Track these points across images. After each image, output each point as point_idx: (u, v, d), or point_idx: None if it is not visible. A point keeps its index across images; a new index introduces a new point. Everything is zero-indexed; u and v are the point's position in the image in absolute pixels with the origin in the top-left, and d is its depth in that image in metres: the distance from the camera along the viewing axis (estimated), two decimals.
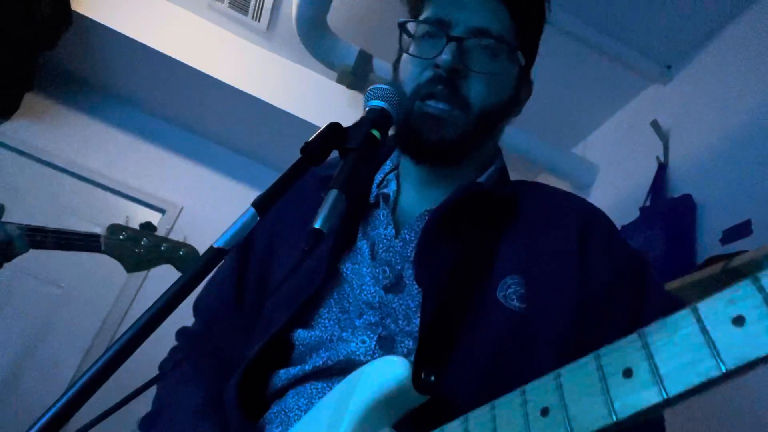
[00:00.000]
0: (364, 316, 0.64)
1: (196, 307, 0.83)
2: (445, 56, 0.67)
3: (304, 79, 2.94)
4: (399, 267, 0.67)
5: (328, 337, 0.64)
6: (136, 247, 1.39)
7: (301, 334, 0.66)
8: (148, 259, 1.40)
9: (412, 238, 0.69)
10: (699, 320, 0.29)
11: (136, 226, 1.44)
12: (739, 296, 0.28)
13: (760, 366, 0.26)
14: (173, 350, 0.82)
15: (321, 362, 0.62)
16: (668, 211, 1.91)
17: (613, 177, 2.53)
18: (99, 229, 1.41)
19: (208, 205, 3.25)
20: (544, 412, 0.35)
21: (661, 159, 2.14)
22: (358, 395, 0.51)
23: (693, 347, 0.29)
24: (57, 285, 2.87)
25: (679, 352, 0.29)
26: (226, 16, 2.90)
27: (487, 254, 0.66)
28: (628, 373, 0.31)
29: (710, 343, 0.28)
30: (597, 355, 0.34)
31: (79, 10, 2.63)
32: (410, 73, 0.72)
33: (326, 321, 0.66)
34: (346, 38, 2.48)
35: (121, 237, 1.39)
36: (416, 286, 0.64)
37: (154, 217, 3.20)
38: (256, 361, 0.65)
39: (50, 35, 2.61)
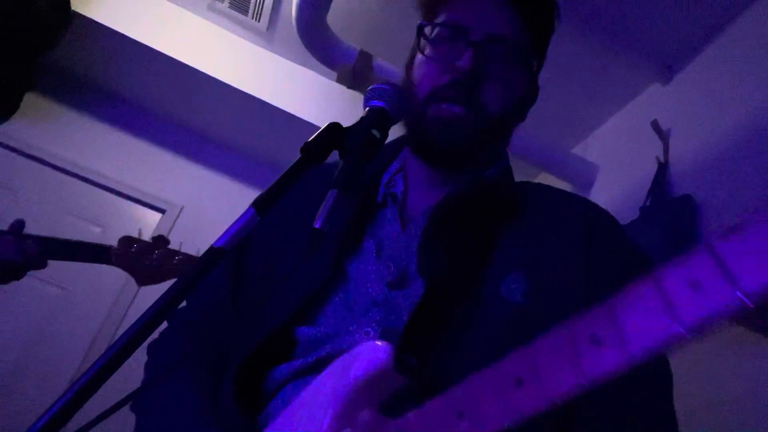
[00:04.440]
0: (369, 314, 0.64)
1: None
2: (465, 61, 0.68)
3: (304, 79, 2.94)
4: (404, 262, 0.67)
5: (333, 332, 0.64)
6: (148, 260, 1.37)
7: (304, 332, 0.66)
8: (160, 273, 1.38)
9: (418, 233, 0.69)
10: (659, 287, 0.32)
11: (148, 237, 1.42)
12: (695, 262, 0.31)
13: (715, 324, 0.29)
14: (165, 334, 0.79)
15: (325, 354, 0.62)
16: (668, 211, 1.91)
17: (613, 177, 2.53)
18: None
19: (208, 205, 3.25)
20: (519, 382, 0.37)
21: (661, 159, 2.14)
22: (341, 379, 0.52)
23: (655, 311, 0.31)
24: (57, 285, 2.87)
25: (643, 316, 0.32)
26: (226, 16, 2.91)
27: (491, 248, 0.66)
28: (596, 340, 0.34)
29: (670, 305, 0.31)
30: (567, 326, 0.37)
31: (79, 10, 2.64)
32: (426, 75, 0.73)
33: (331, 319, 0.66)
34: (346, 38, 2.48)
35: (132, 249, 1.37)
36: (420, 280, 0.65)
37: (154, 217, 3.20)
38: (253, 356, 0.65)
39: (50, 35, 2.61)
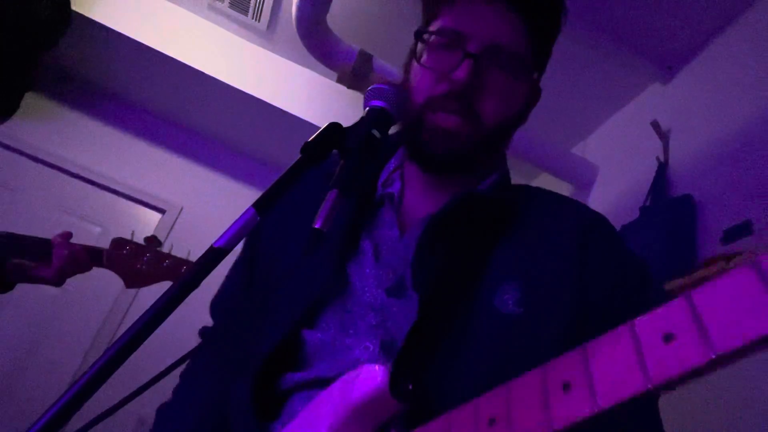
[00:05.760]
0: (366, 318, 0.64)
1: (211, 308, 0.84)
2: (461, 73, 0.66)
3: (304, 79, 2.95)
4: (401, 271, 0.67)
5: (331, 341, 0.64)
6: (138, 263, 1.36)
7: (306, 336, 0.65)
8: (149, 276, 1.36)
9: (413, 242, 0.68)
10: (634, 336, 0.31)
11: (141, 238, 1.40)
12: (672, 313, 0.29)
13: (688, 381, 0.28)
14: (196, 351, 0.84)
15: (326, 369, 0.62)
16: (668, 211, 1.91)
17: (613, 177, 2.53)
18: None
19: (208, 205, 3.25)
20: (491, 422, 0.37)
21: (661, 159, 2.14)
22: (340, 401, 0.52)
23: (626, 362, 0.31)
24: None
25: (614, 367, 0.31)
26: (226, 16, 2.91)
27: (485, 261, 0.66)
28: (567, 387, 0.33)
29: (641, 359, 0.30)
30: (544, 369, 0.36)
31: (79, 10, 2.63)
32: (423, 83, 0.71)
33: (330, 322, 0.65)
34: (346, 38, 2.48)
35: (124, 252, 1.35)
36: (414, 293, 0.64)
37: (154, 217, 3.20)
38: (267, 361, 0.65)
39: (50, 35, 2.61)
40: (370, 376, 0.51)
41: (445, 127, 0.68)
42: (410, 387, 0.51)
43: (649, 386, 0.29)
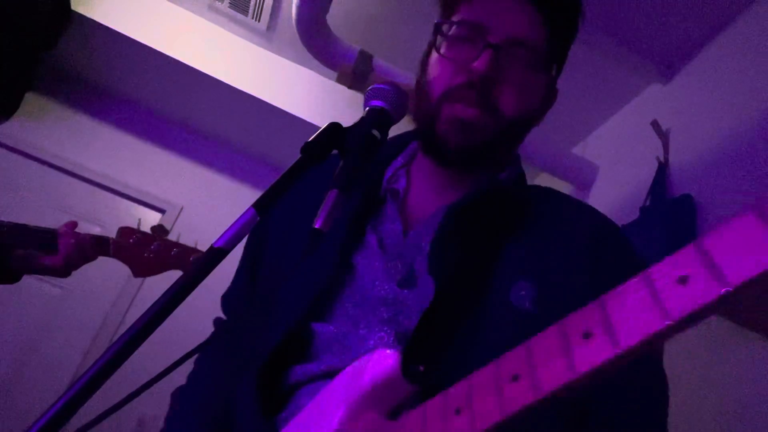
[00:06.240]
0: (378, 312, 0.64)
1: (222, 303, 0.84)
2: (481, 64, 0.66)
3: (304, 79, 2.94)
4: (410, 260, 0.67)
5: (343, 333, 0.63)
6: (146, 252, 1.34)
7: (316, 328, 0.65)
8: (158, 265, 1.35)
9: (427, 232, 0.68)
10: (650, 283, 0.33)
11: (148, 229, 1.39)
12: (684, 258, 0.32)
13: (701, 317, 0.30)
14: (208, 342, 0.85)
15: (338, 361, 0.62)
16: (668, 211, 1.91)
17: (613, 177, 2.53)
18: (98, 230, 1.38)
19: (208, 205, 3.25)
20: (515, 378, 0.38)
21: (661, 159, 2.14)
22: (352, 385, 0.52)
23: (644, 306, 0.32)
24: (57, 285, 2.87)
25: (632, 311, 0.33)
26: (226, 16, 2.91)
27: (498, 254, 0.66)
28: (587, 335, 0.35)
29: (659, 300, 0.32)
30: (561, 324, 0.38)
31: (79, 10, 2.63)
32: (441, 74, 0.71)
33: (340, 315, 0.65)
34: (346, 38, 2.48)
35: (131, 241, 1.34)
36: (428, 281, 0.64)
37: (154, 217, 3.21)
38: (273, 355, 0.65)
39: (50, 35, 2.61)
40: (382, 359, 0.51)
41: (462, 118, 0.67)
42: (422, 369, 0.51)
43: (669, 323, 0.30)
